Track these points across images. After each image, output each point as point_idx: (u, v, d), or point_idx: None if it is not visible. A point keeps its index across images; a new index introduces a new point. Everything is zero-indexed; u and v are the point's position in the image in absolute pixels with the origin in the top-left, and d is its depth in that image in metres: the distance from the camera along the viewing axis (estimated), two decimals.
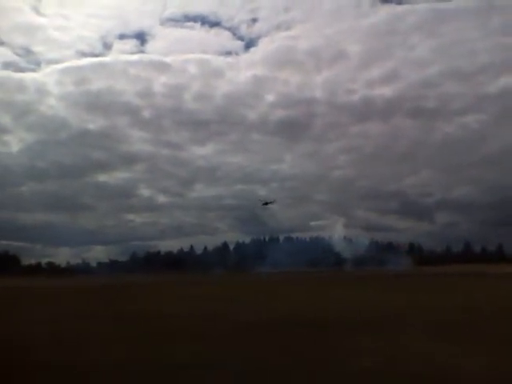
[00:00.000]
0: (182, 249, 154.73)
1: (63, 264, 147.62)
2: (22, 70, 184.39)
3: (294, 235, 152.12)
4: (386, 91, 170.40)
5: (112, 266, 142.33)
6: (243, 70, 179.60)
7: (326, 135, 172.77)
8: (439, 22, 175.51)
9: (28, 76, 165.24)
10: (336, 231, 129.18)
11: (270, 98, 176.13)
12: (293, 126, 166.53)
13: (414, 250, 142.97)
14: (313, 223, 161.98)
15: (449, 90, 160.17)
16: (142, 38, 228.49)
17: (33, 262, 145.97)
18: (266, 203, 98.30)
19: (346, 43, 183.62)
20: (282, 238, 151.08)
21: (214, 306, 24.95)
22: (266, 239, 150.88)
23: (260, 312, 20.70)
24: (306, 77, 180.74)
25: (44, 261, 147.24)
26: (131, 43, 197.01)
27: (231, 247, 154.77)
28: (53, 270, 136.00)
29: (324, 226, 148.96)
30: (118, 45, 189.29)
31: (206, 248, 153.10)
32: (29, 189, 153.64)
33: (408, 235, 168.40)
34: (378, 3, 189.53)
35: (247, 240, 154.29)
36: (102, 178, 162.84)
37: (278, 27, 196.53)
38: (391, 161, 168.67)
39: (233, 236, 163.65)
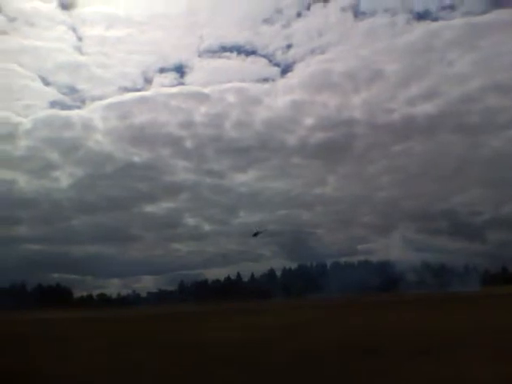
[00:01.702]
0: (228, 276, 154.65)
1: (114, 295, 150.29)
2: (68, 107, 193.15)
3: (341, 259, 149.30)
4: (427, 108, 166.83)
5: (161, 295, 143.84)
6: (281, 96, 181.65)
7: (367, 156, 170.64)
8: (477, 36, 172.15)
9: (74, 113, 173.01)
10: (384, 254, 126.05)
11: (308, 121, 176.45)
12: (333, 148, 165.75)
13: (467, 270, 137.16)
14: (360, 246, 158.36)
15: (492, 104, 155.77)
16: (181, 70, 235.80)
17: (84, 293, 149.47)
18: (256, 234, 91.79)
19: (383, 63, 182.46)
20: (329, 262, 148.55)
21: (267, 333, 24.33)
22: (314, 265, 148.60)
23: (315, 338, 19.98)
24: (344, 98, 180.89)
25: (95, 292, 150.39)
26: (171, 76, 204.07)
27: (278, 273, 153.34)
28: (104, 301, 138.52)
29: (372, 249, 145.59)
30: (158, 78, 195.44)
31: (252, 275, 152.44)
32: (79, 222, 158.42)
33: (460, 255, 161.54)
34: (412, 21, 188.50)
35: (294, 266, 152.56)
36: (149, 208, 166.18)
37: (313, 51, 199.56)
38: (437, 179, 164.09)
39: (279, 262, 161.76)
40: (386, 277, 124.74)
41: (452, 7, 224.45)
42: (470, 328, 20.92)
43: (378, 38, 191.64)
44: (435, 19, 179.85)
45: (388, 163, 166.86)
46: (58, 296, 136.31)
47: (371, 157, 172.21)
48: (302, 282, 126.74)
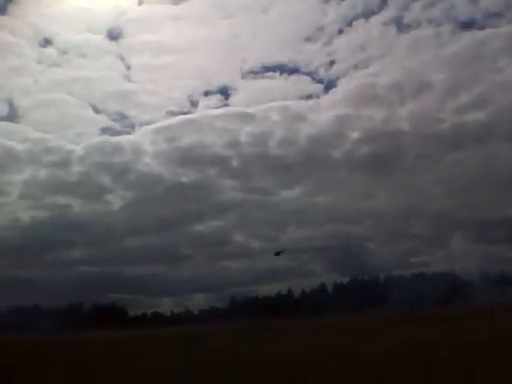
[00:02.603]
0: (279, 292, 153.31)
1: (167, 313, 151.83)
2: (118, 133, 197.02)
3: (394, 273, 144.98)
4: (478, 116, 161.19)
5: (213, 312, 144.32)
6: (325, 112, 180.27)
7: (417, 167, 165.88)
8: None
9: (124, 138, 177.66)
10: (440, 265, 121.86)
11: (354, 135, 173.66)
12: (381, 161, 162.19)
13: None
14: (413, 259, 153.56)
15: None
16: (225, 92, 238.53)
17: (139, 312, 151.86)
18: (278, 253, 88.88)
19: (430, 73, 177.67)
20: (382, 276, 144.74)
21: (327, 349, 23.84)
22: (366, 279, 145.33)
23: (379, 354, 19.35)
24: (391, 110, 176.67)
25: (149, 311, 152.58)
26: (215, 98, 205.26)
27: (329, 288, 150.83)
28: (158, 319, 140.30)
29: (426, 262, 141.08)
30: (203, 101, 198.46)
31: (303, 291, 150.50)
32: (130, 243, 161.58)
33: None
34: (458, 31, 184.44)
35: (345, 280, 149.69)
36: (198, 227, 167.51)
37: (356, 66, 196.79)
38: (491, 187, 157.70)
39: (330, 277, 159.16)
40: (442, 289, 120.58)
41: (498, 15, 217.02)
42: None
43: (423, 49, 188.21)
44: (482, 28, 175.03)
45: (439, 174, 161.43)
46: (113, 315, 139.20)
47: (421, 168, 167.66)
48: (355, 297, 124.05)
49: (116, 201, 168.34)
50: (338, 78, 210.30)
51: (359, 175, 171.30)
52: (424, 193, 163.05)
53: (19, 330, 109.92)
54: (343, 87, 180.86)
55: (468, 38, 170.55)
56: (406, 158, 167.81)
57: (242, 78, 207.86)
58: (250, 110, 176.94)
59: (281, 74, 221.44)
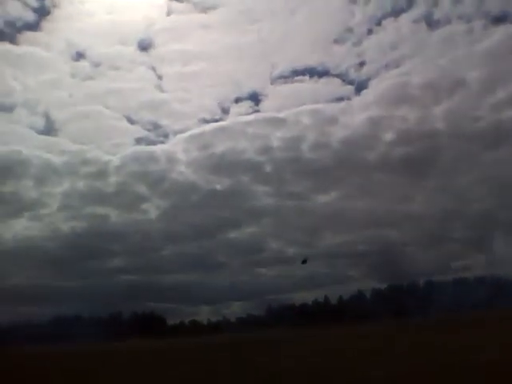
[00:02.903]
0: (316, 299, 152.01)
1: (205, 321, 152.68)
2: (152, 142, 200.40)
3: (434, 278, 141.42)
4: None
5: (250, 320, 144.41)
6: (357, 114, 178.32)
7: (455, 168, 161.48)
8: None
9: (158, 148, 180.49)
10: (482, 270, 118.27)
11: (388, 136, 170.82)
12: (417, 163, 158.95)
13: None
14: (454, 263, 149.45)
15: None
16: (255, 98, 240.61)
17: (177, 321, 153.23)
18: (305, 261, 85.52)
19: (463, 71, 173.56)
20: (421, 281, 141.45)
21: (368, 357, 23.43)
22: (405, 284, 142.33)
23: (421, 359, 18.90)
24: (425, 110, 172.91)
25: (187, 319, 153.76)
26: (246, 105, 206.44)
27: (367, 295, 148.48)
28: (196, 327, 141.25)
29: (467, 266, 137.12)
30: (234, 108, 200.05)
31: (341, 297, 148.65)
32: (167, 252, 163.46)
33: None
34: (490, 26, 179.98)
35: (384, 286, 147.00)
36: (232, 234, 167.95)
37: (387, 66, 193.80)
38: None
39: (367, 283, 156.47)
40: (484, 294, 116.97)
41: None
42: None
43: (456, 45, 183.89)
44: None
45: (479, 174, 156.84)
46: (152, 324, 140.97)
47: (459, 168, 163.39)
48: (394, 303, 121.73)
49: (152, 210, 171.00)
50: (369, 79, 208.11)
51: (395, 178, 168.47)
52: (463, 194, 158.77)
53: (61, 340, 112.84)
54: (375, 88, 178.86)
55: (501, 32, 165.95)
56: (443, 158, 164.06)
57: (272, 83, 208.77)
58: (281, 115, 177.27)
59: (310, 77, 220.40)
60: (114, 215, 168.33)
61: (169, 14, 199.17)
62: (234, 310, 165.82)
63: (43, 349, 74.28)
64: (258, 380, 18.26)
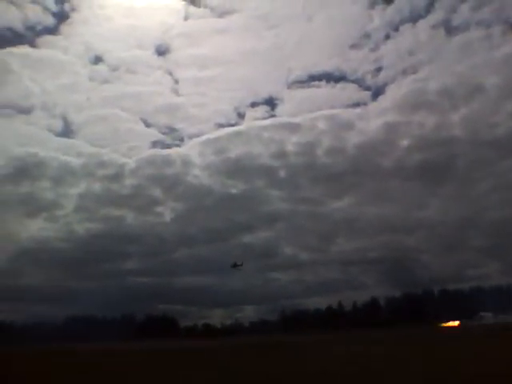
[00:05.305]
0: (330, 306, 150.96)
1: (218, 325, 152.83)
2: (168, 146, 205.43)
3: (450, 286, 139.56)
4: None
5: (263, 324, 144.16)
6: (373, 119, 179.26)
7: (472, 175, 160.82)
8: None
9: (173, 151, 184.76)
10: (497, 278, 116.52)
11: (404, 142, 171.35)
12: (433, 169, 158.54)
13: None
14: (470, 271, 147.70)
15: None
16: (271, 103, 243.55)
17: (190, 323, 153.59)
18: (235, 265, 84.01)
19: (481, 77, 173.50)
20: (436, 290, 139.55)
21: (380, 364, 23.13)
22: (419, 292, 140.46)
23: (432, 372, 18.57)
24: (442, 117, 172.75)
25: (200, 322, 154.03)
26: (262, 109, 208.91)
27: (382, 302, 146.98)
28: (209, 330, 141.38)
29: (484, 274, 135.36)
30: (250, 113, 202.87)
31: (355, 304, 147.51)
32: (181, 254, 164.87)
33: None
34: (509, 32, 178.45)
35: (398, 294, 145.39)
36: (247, 238, 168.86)
37: (405, 72, 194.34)
38: None
39: (381, 290, 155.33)
40: (501, 302, 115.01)
41: None
42: None
43: (474, 52, 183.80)
44: None
45: (496, 181, 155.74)
46: (164, 326, 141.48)
47: (476, 175, 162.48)
48: (408, 311, 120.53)
49: (167, 212, 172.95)
50: (386, 85, 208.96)
51: (411, 184, 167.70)
52: (480, 201, 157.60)
53: (76, 339, 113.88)
54: (391, 94, 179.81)
55: None
56: (460, 165, 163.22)
57: (288, 87, 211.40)
58: (297, 120, 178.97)
59: (327, 82, 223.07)
60: (129, 217, 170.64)
61: (186, 18, 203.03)
62: (247, 313, 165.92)
63: (57, 348, 74.90)
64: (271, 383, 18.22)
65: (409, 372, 19.00)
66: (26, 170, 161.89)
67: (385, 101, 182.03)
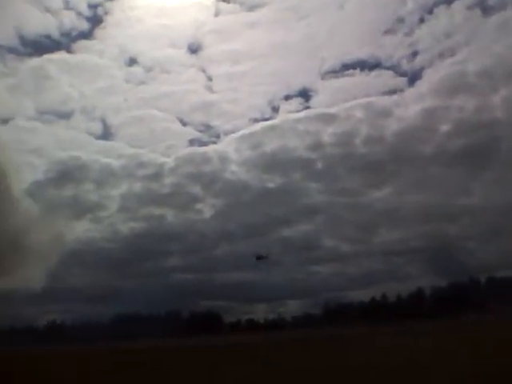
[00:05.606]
0: (373, 298, 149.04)
1: (261, 320, 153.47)
2: (204, 144, 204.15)
3: (497, 274, 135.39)
4: None
5: (306, 318, 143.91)
6: (411, 105, 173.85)
7: None
8: None
9: (210, 148, 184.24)
10: None
11: (444, 127, 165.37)
12: (476, 154, 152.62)
13: None
14: None
15: None
16: (305, 95, 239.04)
17: (233, 319, 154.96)
18: (260, 257, 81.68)
19: None
20: (483, 278, 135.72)
21: (426, 357, 22.94)
22: (466, 281, 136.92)
23: (480, 364, 18.29)
24: (483, 99, 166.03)
25: (244, 318, 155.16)
26: (296, 102, 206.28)
27: (427, 293, 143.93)
28: (252, 326, 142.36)
29: None
30: (284, 106, 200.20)
31: (399, 295, 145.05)
32: (223, 250, 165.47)
33: None
34: None
35: (444, 284, 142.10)
36: (286, 232, 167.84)
37: (442, 55, 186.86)
38: None
39: (427, 281, 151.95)
40: None
41: None
42: None
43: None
44: None
45: None
46: (209, 322, 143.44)
47: None
48: (455, 301, 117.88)
49: (207, 209, 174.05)
50: (422, 69, 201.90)
51: (453, 170, 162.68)
52: None
53: (122, 337, 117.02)
54: (429, 78, 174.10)
55: None
56: (503, 148, 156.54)
57: (322, 78, 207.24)
58: (332, 110, 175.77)
59: (361, 70, 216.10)
60: (169, 216, 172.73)
61: (216, 14, 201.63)
62: (290, 308, 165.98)
63: (104, 347, 77.23)
64: (315, 378, 18.36)
65: (457, 364, 18.83)
66: (69, 173, 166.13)
67: (422, 86, 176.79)
